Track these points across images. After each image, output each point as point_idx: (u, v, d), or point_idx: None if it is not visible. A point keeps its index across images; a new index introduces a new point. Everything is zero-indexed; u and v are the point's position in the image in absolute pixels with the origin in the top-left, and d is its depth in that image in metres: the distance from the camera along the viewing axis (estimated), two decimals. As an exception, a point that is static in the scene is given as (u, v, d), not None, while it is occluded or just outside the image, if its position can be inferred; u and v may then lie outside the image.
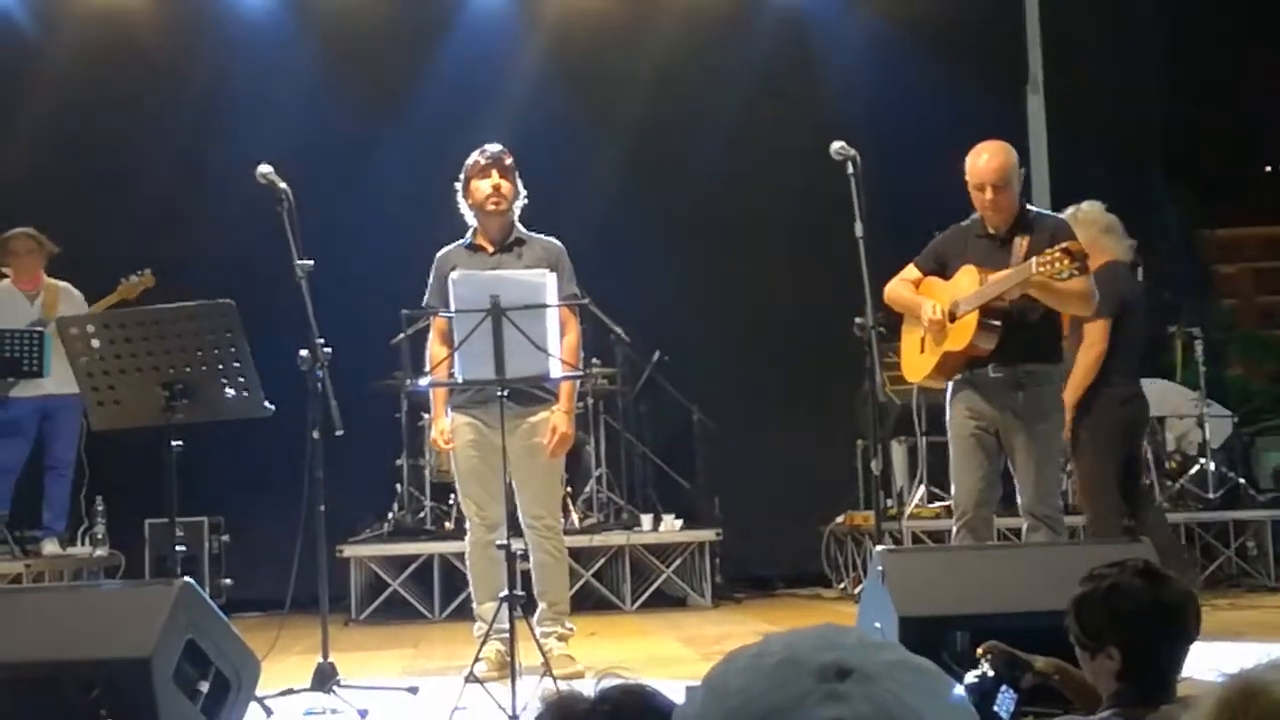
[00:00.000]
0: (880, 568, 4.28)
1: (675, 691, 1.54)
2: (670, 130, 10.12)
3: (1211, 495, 8.87)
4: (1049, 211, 5.81)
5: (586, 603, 8.07)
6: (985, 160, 5.46)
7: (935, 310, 5.45)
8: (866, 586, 4.63)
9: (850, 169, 5.33)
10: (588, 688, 1.50)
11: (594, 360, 8.36)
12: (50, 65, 9.83)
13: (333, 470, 5.17)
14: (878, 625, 4.14)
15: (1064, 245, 5.07)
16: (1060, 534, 5.49)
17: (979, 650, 3.05)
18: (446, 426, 5.81)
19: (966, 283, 5.45)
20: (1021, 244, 5.38)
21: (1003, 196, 5.44)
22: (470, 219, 5.90)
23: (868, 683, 1.07)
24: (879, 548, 4.59)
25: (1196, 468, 8.99)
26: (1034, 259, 5.12)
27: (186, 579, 3.99)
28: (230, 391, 4.75)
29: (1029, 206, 5.66)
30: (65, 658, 3.80)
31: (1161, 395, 9.18)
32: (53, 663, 3.80)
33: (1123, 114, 10.05)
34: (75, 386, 7.78)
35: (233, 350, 4.69)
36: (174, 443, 4.71)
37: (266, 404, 4.84)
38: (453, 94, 9.75)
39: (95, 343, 4.67)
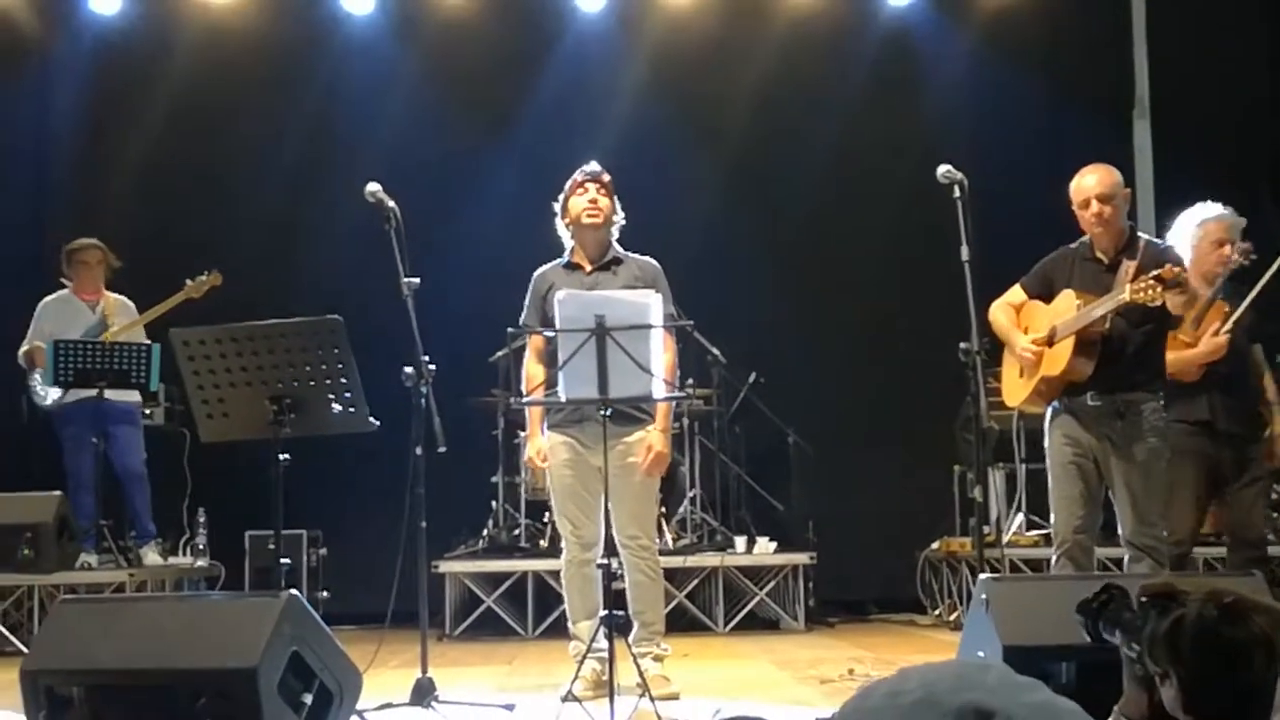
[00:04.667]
0: (984, 596, 4.23)
1: (777, 715, 1.52)
2: (771, 151, 10.10)
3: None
4: (1159, 240, 5.71)
5: (679, 623, 8.05)
6: (1089, 177, 5.48)
7: (1028, 343, 5.44)
8: (970, 615, 4.57)
9: (957, 192, 5.29)
10: (705, 716, 1.48)
11: (689, 381, 8.35)
12: (161, 82, 10.04)
13: (429, 486, 5.17)
14: (981, 654, 4.09)
15: (1156, 272, 5.00)
16: (1163, 565, 5.38)
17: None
18: (543, 445, 5.80)
19: (1065, 307, 5.42)
20: (1129, 268, 5.30)
21: (1108, 209, 5.40)
22: (567, 240, 5.92)
23: None
24: (983, 576, 4.52)
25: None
26: (1128, 285, 5.07)
27: (293, 591, 4.03)
28: (336, 407, 4.80)
29: (1138, 232, 5.59)
30: (174, 666, 3.84)
31: None
32: (162, 670, 3.85)
33: (1232, 139, 9.85)
34: (133, 394, 8.02)
35: (340, 366, 4.75)
36: (281, 456, 4.78)
37: (371, 419, 4.89)
38: (555, 113, 9.85)
39: (208, 355, 4.74)
